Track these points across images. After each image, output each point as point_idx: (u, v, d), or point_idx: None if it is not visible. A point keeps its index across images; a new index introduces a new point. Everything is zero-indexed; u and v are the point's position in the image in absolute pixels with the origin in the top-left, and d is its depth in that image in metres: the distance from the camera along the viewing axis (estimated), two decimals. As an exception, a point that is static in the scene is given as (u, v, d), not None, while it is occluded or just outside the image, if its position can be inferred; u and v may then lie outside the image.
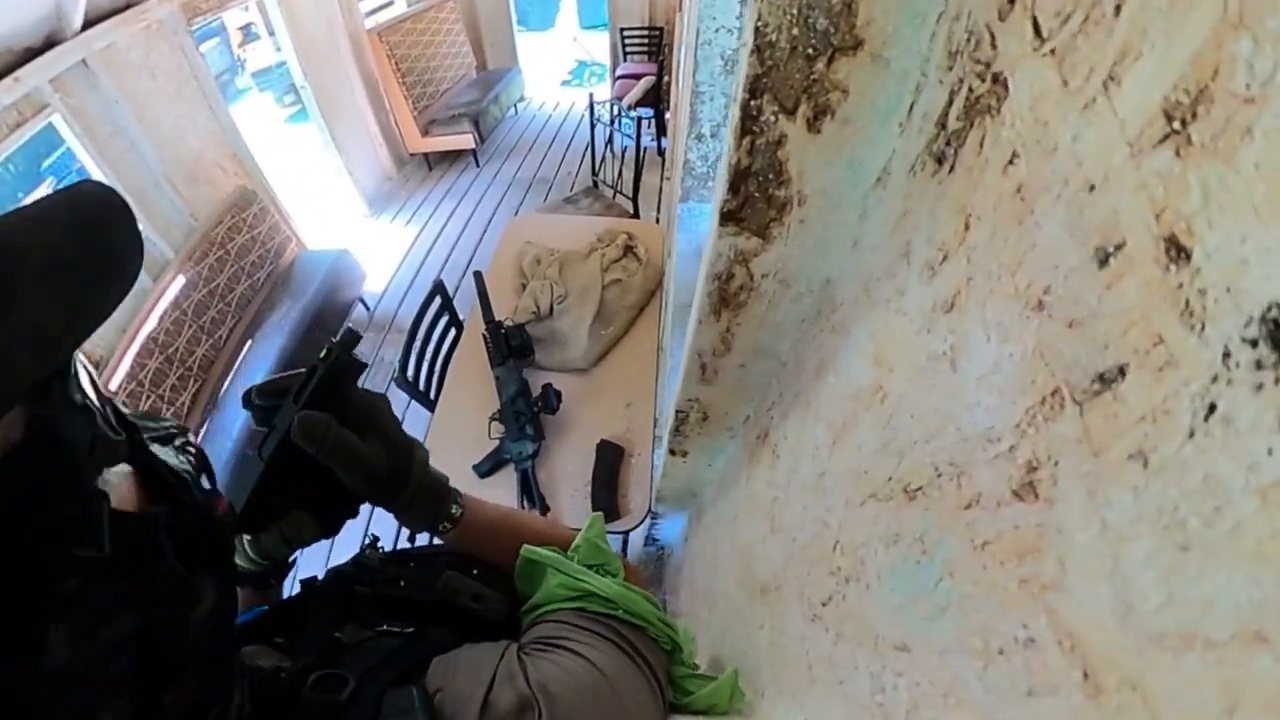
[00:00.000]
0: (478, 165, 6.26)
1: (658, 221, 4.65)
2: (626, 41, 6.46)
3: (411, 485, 0.66)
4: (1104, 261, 0.28)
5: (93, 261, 0.36)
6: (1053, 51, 0.34)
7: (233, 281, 3.69)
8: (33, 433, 0.33)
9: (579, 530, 0.78)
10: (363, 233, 5.44)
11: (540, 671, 0.56)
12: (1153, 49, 0.25)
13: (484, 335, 2.08)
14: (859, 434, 0.60)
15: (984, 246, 0.41)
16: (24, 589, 0.32)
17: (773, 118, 0.57)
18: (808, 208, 0.64)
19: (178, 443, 0.48)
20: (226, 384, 3.38)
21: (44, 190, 2.86)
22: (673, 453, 1.34)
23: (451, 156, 6.32)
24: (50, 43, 2.81)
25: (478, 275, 2.21)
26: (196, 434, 3.14)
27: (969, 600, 0.40)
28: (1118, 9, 0.28)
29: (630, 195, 3.80)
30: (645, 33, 6.40)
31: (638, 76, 5.81)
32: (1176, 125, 0.25)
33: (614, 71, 6.67)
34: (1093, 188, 0.29)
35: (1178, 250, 0.24)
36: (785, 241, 0.69)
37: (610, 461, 1.90)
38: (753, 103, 0.57)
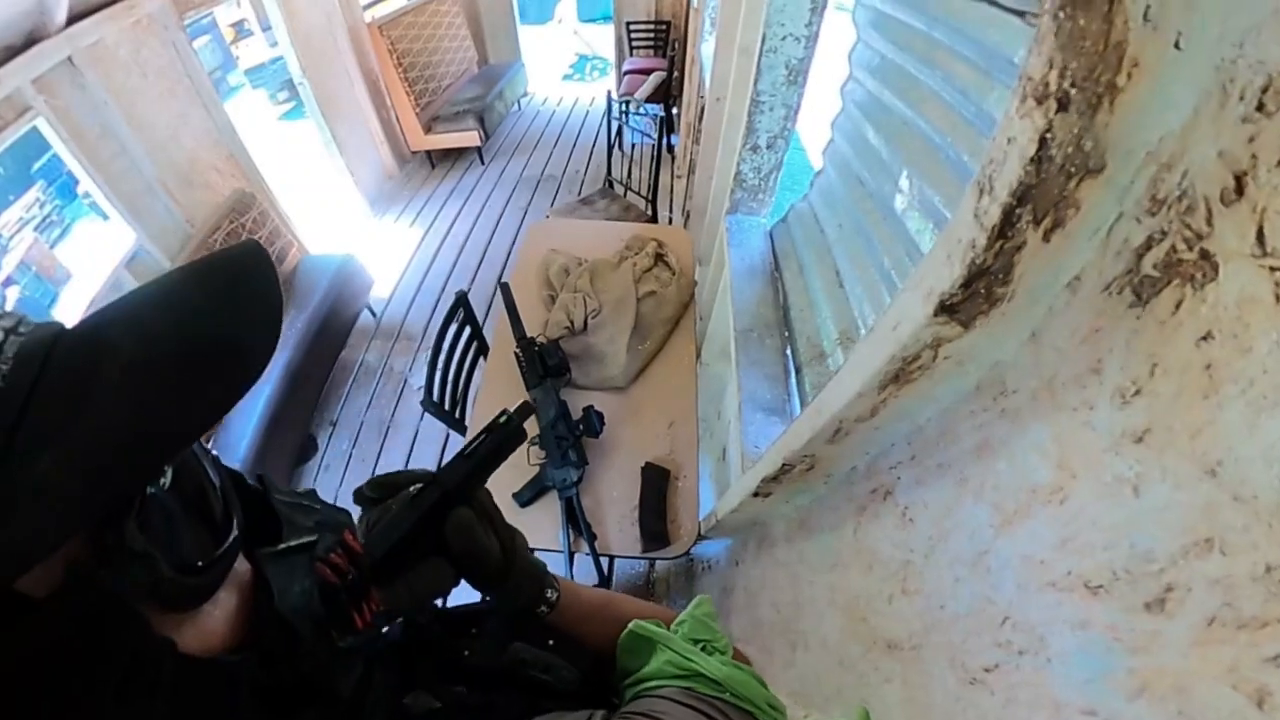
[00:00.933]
0: (483, 163, 6.13)
1: (670, 222, 4.55)
2: (633, 35, 6.38)
3: (514, 573, 0.67)
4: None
5: (187, 366, 0.34)
6: (1273, 269, 0.36)
7: (233, 288, 3.53)
8: (71, 582, 0.31)
9: (680, 610, 0.78)
10: (365, 234, 5.30)
11: None
12: None
13: (516, 354, 1.94)
14: (1033, 525, 0.62)
15: (1168, 400, 0.45)
16: None
17: (1025, 225, 0.58)
18: (1013, 304, 0.65)
19: (317, 551, 0.47)
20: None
21: (34, 194, 2.71)
22: (756, 494, 1.30)
23: (455, 154, 6.19)
24: (31, 40, 2.65)
25: (505, 287, 2.07)
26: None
27: (1167, 692, 0.46)
28: None
29: (644, 195, 3.70)
30: (652, 27, 6.34)
31: (646, 71, 5.71)
32: None
33: (619, 66, 6.56)
34: (1268, 398, 0.35)
35: None
36: (980, 332, 0.69)
37: (658, 485, 1.81)
38: (1017, 210, 0.57)
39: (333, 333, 3.73)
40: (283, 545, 0.46)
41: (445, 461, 0.64)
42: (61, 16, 2.71)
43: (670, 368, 2.13)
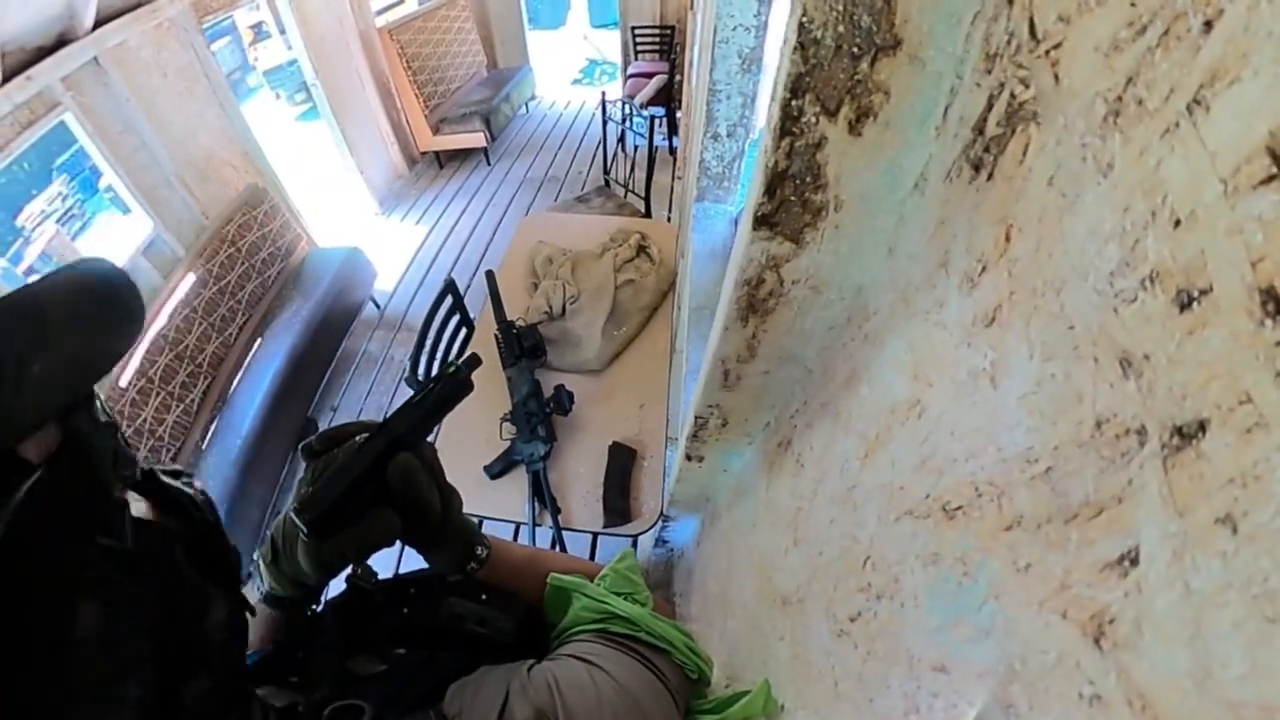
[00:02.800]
0: (489, 164, 6.26)
1: (668, 220, 4.64)
2: (638, 40, 6.43)
3: (450, 529, 0.69)
4: (1185, 306, 0.25)
5: (105, 314, 0.42)
6: (1048, 53, 0.34)
7: (243, 279, 3.70)
8: (68, 442, 0.39)
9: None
10: (373, 231, 5.45)
11: (561, 681, 0.58)
12: (1256, 75, 0.23)
13: (496, 335, 2.07)
14: (894, 449, 0.58)
15: (1027, 260, 0.39)
16: (59, 571, 0.37)
17: (814, 119, 0.55)
18: (844, 213, 0.63)
19: (183, 480, 0.51)
20: (236, 381, 3.38)
21: (57, 188, 2.87)
22: (689, 458, 1.32)
23: (462, 155, 6.32)
24: (62, 41, 2.81)
25: (490, 275, 2.20)
26: (204, 432, 3.15)
27: (1015, 625, 0.38)
28: (1208, 25, 0.25)
29: (642, 194, 3.78)
30: (657, 32, 6.37)
31: (649, 75, 5.79)
32: None
33: (625, 70, 6.65)
34: (1178, 223, 0.26)
35: (1276, 304, 0.22)
36: (819, 247, 0.67)
37: (622, 464, 1.89)
38: (794, 102, 0.54)
39: (337, 321, 3.89)
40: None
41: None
42: (89, 19, 2.87)
43: (645, 353, 2.22)
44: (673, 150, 5.64)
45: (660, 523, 1.91)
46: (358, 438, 0.63)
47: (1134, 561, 0.28)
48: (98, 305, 0.42)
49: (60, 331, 0.39)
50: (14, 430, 0.36)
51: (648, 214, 3.80)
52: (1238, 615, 0.22)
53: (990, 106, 0.45)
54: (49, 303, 0.40)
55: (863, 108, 0.53)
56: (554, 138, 6.71)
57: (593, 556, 2.87)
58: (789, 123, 0.56)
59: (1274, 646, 0.21)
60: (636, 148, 3.99)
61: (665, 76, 5.58)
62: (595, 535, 1.98)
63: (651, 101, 5.33)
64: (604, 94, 4.13)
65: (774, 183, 0.61)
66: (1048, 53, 0.34)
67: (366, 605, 0.69)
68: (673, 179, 5.14)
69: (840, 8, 0.49)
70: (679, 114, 5.69)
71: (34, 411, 0.36)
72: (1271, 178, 0.21)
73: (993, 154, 0.44)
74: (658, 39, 6.38)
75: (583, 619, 0.70)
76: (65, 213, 2.93)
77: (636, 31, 6.41)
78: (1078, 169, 0.30)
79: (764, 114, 1.27)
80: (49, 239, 2.85)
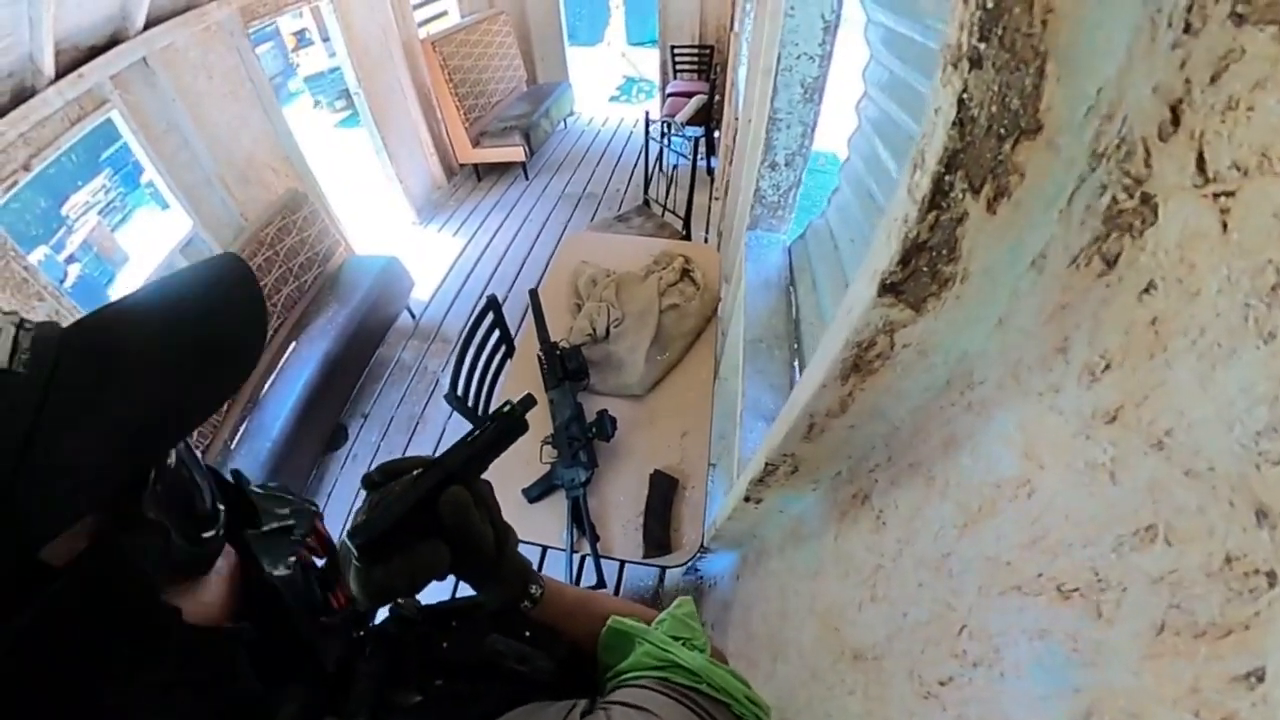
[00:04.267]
0: (527, 178, 6.28)
1: (705, 242, 4.61)
2: (677, 59, 6.49)
3: (504, 565, 0.68)
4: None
5: (196, 356, 0.38)
6: (1217, 196, 0.33)
7: (280, 283, 3.70)
8: (95, 548, 0.33)
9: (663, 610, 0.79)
10: (411, 240, 5.47)
11: None
12: None
13: (539, 356, 2.03)
14: (999, 524, 0.57)
15: (1157, 374, 0.39)
16: (74, 702, 0.32)
17: (960, 195, 0.55)
18: (967, 285, 0.62)
19: (296, 534, 0.51)
20: (268, 384, 3.36)
21: (101, 180, 2.92)
22: (747, 499, 1.29)
23: (501, 168, 6.36)
24: (114, 41, 2.87)
25: (533, 294, 2.16)
26: (234, 433, 3.14)
27: (1137, 711, 0.39)
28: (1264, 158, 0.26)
29: (680, 214, 3.76)
30: (696, 51, 6.44)
31: (688, 94, 5.81)
32: None
33: (663, 89, 6.68)
34: (1222, 346, 0.29)
35: None
36: (936, 316, 0.66)
37: (664, 493, 1.84)
38: (946, 178, 0.55)
39: (371, 329, 3.88)
40: (265, 528, 0.50)
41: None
42: (141, 21, 2.93)
43: (688, 379, 2.17)
44: (710, 170, 5.62)
45: (699, 554, 1.86)
46: (415, 472, 0.62)
47: (1260, 679, 0.29)
48: (191, 340, 0.38)
49: (118, 387, 0.34)
50: (26, 537, 0.30)
51: (687, 235, 3.77)
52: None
53: (1125, 204, 0.44)
54: (116, 342, 0.35)
55: (1000, 187, 0.54)
56: (592, 154, 6.73)
57: (619, 583, 2.82)
58: (939, 197, 0.56)
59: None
60: (675, 166, 3.98)
61: (705, 96, 5.57)
62: (622, 563, 1.94)
63: (690, 121, 5.32)
64: (647, 113, 4.11)
65: (911, 253, 0.61)
66: (1217, 197, 0.33)
67: (407, 635, 0.68)
68: (709, 199, 5.12)
69: (996, 88, 0.49)
70: (717, 134, 5.68)
71: (56, 512, 0.31)
72: None
73: (1123, 253, 0.44)
74: (696, 58, 6.44)
75: (643, 664, 0.68)
76: (107, 205, 2.98)
77: (676, 51, 6.48)
78: (1235, 324, 0.31)
79: (835, 150, 1.24)
80: (91, 229, 2.89)
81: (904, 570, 0.77)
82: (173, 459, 0.40)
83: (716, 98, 5.64)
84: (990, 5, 0.46)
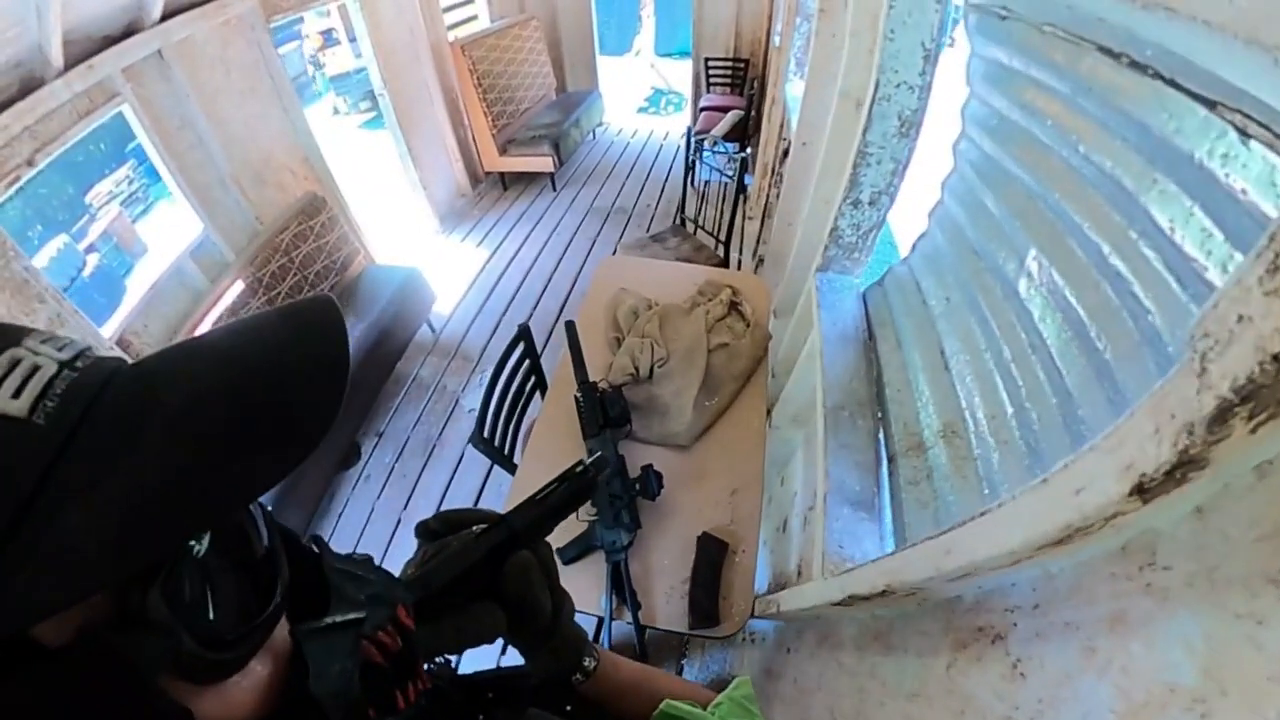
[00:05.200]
0: (554, 189, 6.14)
1: (740, 265, 4.44)
2: (711, 72, 6.41)
3: (559, 634, 0.66)
4: None
5: (241, 432, 0.33)
6: None
7: (294, 290, 3.53)
8: (85, 642, 0.30)
9: (719, 691, 0.77)
10: (433, 250, 5.34)
11: None
12: None
13: (576, 398, 1.83)
14: None
15: None
16: None
17: (1237, 421, 0.49)
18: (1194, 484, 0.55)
19: (366, 628, 0.45)
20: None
21: (125, 171, 2.88)
22: (837, 604, 1.17)
23: (528, 178, 6.22)
24: (128, 32, 2.76)
25: (570, 327, 1.96)
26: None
27: None
28: None
29: (715, 234, 3.64)
30: (730, 64, 6.37)
31: (723, 109, 5.68)
32: None
33: (695, 102, 6.56)
34: None
35: None
36: (1155, 508, 0.59)
37: (712, 559, 1.65)
38: (1236, 408, 0.48)
39: (390, 344, 3.74)
40: (327, 620, 0.44)
41: (511, 506, 0.62)
42: (157, 12, 2.81)
43: (738, 429, 1.97)
44: (743, 187, 5.45)
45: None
46: (475, 527, 0.60)
47: None
48: (240, 410, 0.34)
49: (147, 457, 0.31)
50: (8, 615, 0.27)
51: (725, 259, 3.59)
52: None
53: None
54: (155, 403, 0.33)
55: (1274, 414, 0.47)
56: (621, 166, 6.58)
57: (642, 650, 2.64)
58: (1217, 424, 0.48)
59: None
60: (707, 182, 3.83)
61: (741, 111, 5.40)
62: (644, 627, 1.78)
63: (726, 137, 5.16)
64: (690, 129, 3.97)
65: (1180, 466, 0.54)
66: None
67: (437, 708, 0.61)
68: (743, 219, 4.95)
69: None
70: (751, 150, 5.52)
71: (44, 595, 0.27)
72: None
73: None
74: (731, 72, 6.37)
75: None
76: (130, 195, 2.94)
77: (710, 63, 6.40)
78: None
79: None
80: (112, 219, 2.83)
81: None
82: (203, 545, 0.36)
83: (753, 113, 5.48)
84: None
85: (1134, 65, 0.85)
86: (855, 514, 1.27)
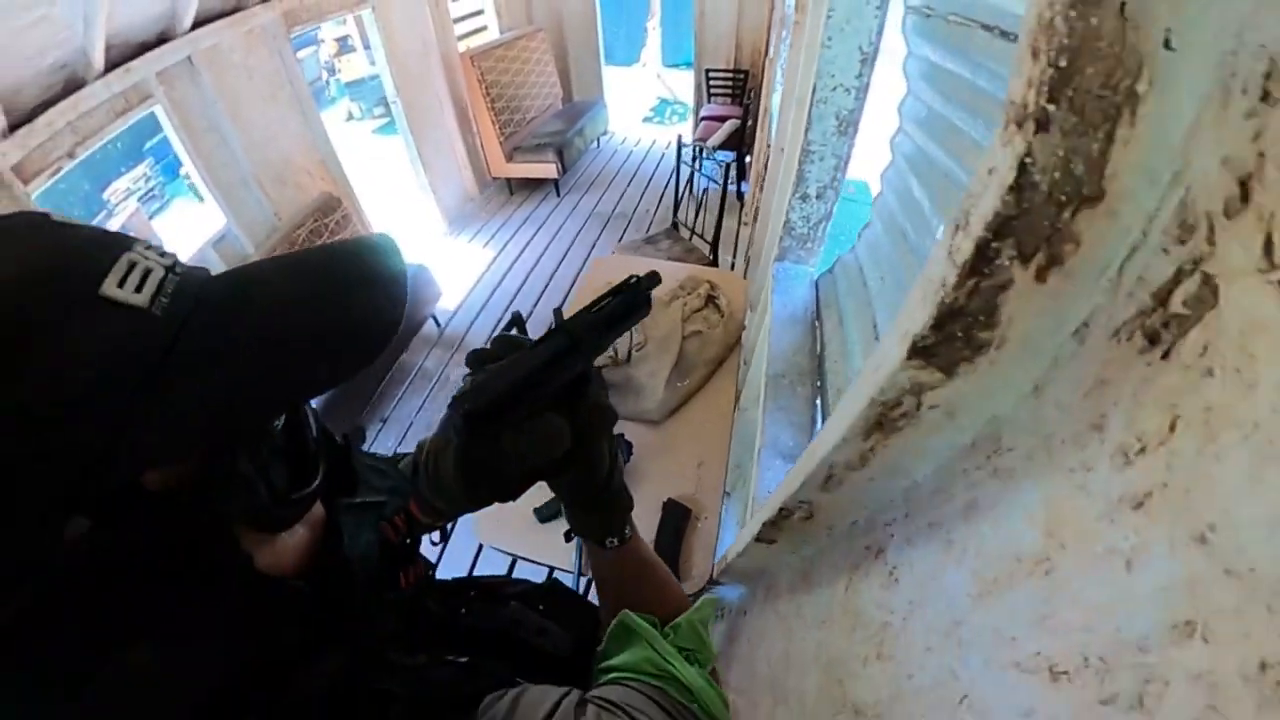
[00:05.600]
0: (558, 195, 6.34)
1: (733, 267, 4.60)
2: (711, 83, 6.52)
3: (610, 491, 0.66)
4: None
5: (320, 335, 0.40)
6: None
7: (308, 283, 3.73)
8: (186, 488, 0.36)
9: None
10: (441, 250, 5.54)
11: None
12: None
13: (558, 377, 2.00)
14: (1013, 599, 0.56)
15: (1188, 462, 0.37)
16: (129, 608, 0.35)
17: (1007, 262, 0.52)
18: (1003, 351, 0.59)
19: (386, 510, 0.53)
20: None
21: (143, 169, 3.04)
22: (759, 539, 1.26)
23: (533, 184, 6.42)
24: (162, 39, 2.97)
25: (558, 312, 2.14)
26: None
27: None
28: None
29: (707, 239, 3.76)
30: (730, 75, 6.46)
31: (722, 119, 5.82)
32: None
33: (697, 112, 6.72)
34: (1274, 444, 0.27)
35: None
36: (967, 379, 0.63)
37: (676, 524, 1.82)
38: (993, 245, 0.52)
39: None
40: (358, 500, 0.51)
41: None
42: (189, 21, 3.02)
43: (707, 408, 2.14)
44: (740, 195, 5.62)
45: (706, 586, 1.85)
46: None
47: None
48: (314, 317, 0.40)
49: (242, 353, 0.37)
50: (128, 462, 0.33)
51: (714, 260, 3.76)
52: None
53: (1178, 281, 0.42)
54: (245, 309, 0.38)
55: (1054, 255, 0.51)
56: (623, 174, 6.77)
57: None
58: (981, 264, 0.53)
59: None
60: (705, 190, 3.98)
61: (738, 121, 5.58)
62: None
63: (723, 145, 5.33)
64: (679, 137, 4.12)
65: (945, 319, 0.58)
66: (1213, 244, 0.32)
67: (420, 603, 0.66)
68: (738, 224, 5.11)
69: (1061, 154, 0.46)
70: (749, 159, 5.68)
71: (158, 449, 0.34)
72: None
73: (1173, 333, 0.42)
74: (731, 82, 6.46)
75: (642, 668, 0.65)
76: (147, 193, 3.08)
77: (710, 74, 6.50)
78: (1221, 376, 0.31)
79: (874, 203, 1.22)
80: (129, 215, 2.98)
81: (913, 632, 0.75)
82: (277, 426, 0.43)
83: (749, 123, 5.64)
84: (1063, 64, 0.44)
85: (1003, 35, 0.97)
86: (786, 466, 1.42)
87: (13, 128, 2.32)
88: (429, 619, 0.66)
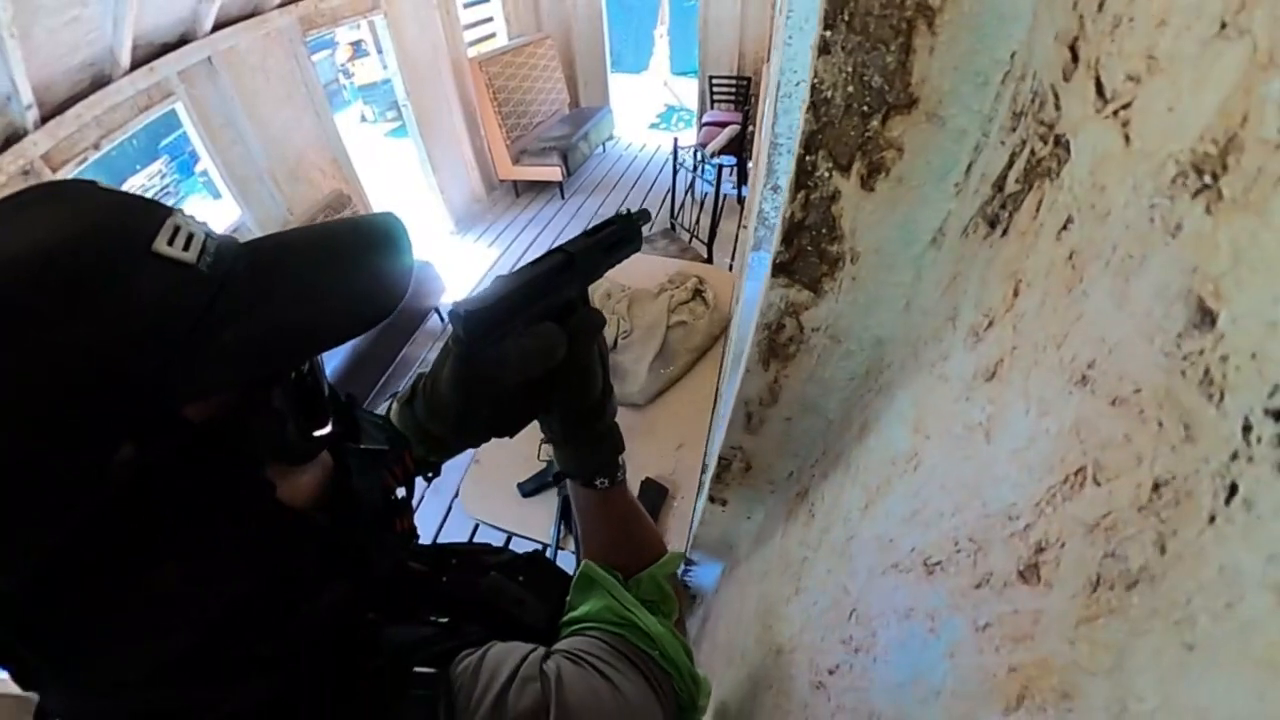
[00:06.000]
0: (563, 197, 6.48)
1: (731, 269, 4.68)
2: (715, 89, 6.56)
3: (604, 421, 0.66)
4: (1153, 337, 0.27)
5: (342, 292, 0.44)
6: (1116, 112, 0.33)
7: (317, 277, 3.87)
8: (225, 418, 0.40)
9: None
10: (448, 248, 5.68)
11: (565, 680, 0.55)
12: (1180, 99, 0.26)
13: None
14: (890, 501, 0.58)
15: (1032, 315, 0.39)
16: (160, 528, 0.37)
17: (826, 173, 0.57)
18: (860, 265, 0.64)
19: (388, 460, 0.55)
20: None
21: (158, 166, 3.23)
22: (712, 500, 1.31)
23: (538, 186, 6.57)
24: (184, 40, 3.14)
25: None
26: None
27: (962, 685, 0.39)
28: (1157, 61, 0.28)
29: (705, 241, 3.84)
30: (733, 82, 6.48)
31: (723, 124, 5.87)
32: (1206, 179, 0.24)
33: (700, 118, 6.77)
34: (1133, 256, 0.28)
35: (1203, 315, 0.23)
36: (837, 297, 0.68)
37: (652, 501, 1.88)
38: (807, 158, 0.57)
39: (401, 326, 4.02)
40: (364, 446, 0.53)
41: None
42: (209, 23, 3.19)
43: (689, 395, 2.22)
44: (741, 199, 5.72)
45: (684, 566, 1.89)
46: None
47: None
48: (339, 270, 0.44)
49: (280, 301, 0.41)
50: (175, 394, 0.37)
51: (709, 260, 3.85)
52: (1157, 643, 0.25)
53: (1011, 164, 0.45)
54: (287, 253, 0.43)
55: (874, 163, 0.55)
56: (627, 178, 6.89)
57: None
58: (803, 177, 0.58)
59: (1188, 678, 0.23)
60: (705, 194, 4.06)
61: (738, 127, 5.67)
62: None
63: (723, 150, 5.41)
64: (675, 140, 4.23)
65: (791, 233, 0.63)
66: (1117, 113, 0.33)
67: (403, 572, 0.68)
68: (738, 227, 5.20)
69: (849, 69, 0.50)
70: (750, 164, 5.78)
71: (203, 382, 0.38)
72: (1198, 191, 0.24)
73: (1009, 210, 0.45)
74: (734, 89, 6.49)
75: (603, 617, 0.66)
76: (162, 189, 3.26)
77: (714, 81, 6.55)
78: (1144, 230, 0.29)
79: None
80: None
81: (820, 559, 0.77)
82: (306, 366, 0.47)
83: (749, 128, 5.73)
84: None
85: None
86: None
87: (44, 119, 2.48)
88: (411, 580, 0.67)
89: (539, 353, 0.56)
